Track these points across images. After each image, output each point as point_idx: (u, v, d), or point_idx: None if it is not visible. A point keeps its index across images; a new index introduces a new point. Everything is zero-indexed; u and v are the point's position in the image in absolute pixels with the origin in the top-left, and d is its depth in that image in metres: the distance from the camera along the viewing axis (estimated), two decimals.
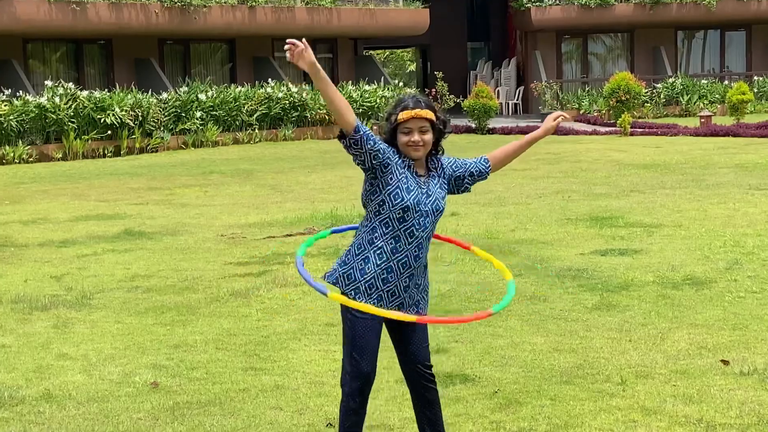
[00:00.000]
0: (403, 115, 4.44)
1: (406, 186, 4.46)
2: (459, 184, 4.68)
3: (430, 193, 4.52)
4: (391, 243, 4.48)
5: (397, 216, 4.46)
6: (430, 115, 4.46)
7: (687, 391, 5.78)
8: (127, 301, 8.55)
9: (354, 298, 4.49)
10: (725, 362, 6.27)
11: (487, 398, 5.78)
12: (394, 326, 4.65)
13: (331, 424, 5.40)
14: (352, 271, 4.53)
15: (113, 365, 6.68)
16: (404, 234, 4.48)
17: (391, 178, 4.45)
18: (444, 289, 8.50)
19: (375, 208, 4.50)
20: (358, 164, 4.44)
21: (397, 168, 4.46)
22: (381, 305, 4.50)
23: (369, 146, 4.36)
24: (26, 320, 7.95)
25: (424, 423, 4.76)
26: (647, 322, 7.35)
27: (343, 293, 4.53)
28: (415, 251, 4.50)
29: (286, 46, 4.32)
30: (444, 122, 4.56)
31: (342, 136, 4.38)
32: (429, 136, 4.49)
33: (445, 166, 4.64)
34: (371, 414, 5.45)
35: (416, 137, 4.45)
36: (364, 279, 4.51)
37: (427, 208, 4.49)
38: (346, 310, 4.53)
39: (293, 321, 7.73)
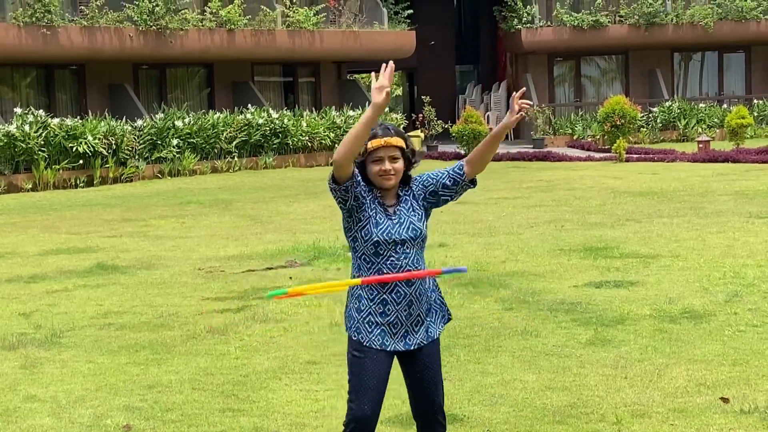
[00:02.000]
0: (372, 144, 4.46)
1: (375, 221, 4.50)
2: (436, 197, 4.66)
3: (402, 220, 4.54)
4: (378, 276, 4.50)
5: (371, 251, 4.51)
6: (400, 142, 4.51)
7: (685, 430, 5.78)
8: (99, 339, 8.51)
9: (358, 338, 4.52)
10: (725, 400, 6.27)
11: None
12: (407, 363, 4.63)
13: None
14: (351, 312, 4.58)
15: (84, 407, 6.64)
16: (386, 266, 4.50)
17: (363, 215, 4.50)
18: None
19: (351, 244, 4.58)
20: (338, 202, 4.49)
21: (368, 204, 4.51)
22: (386, 340, 4.51)
23: (356, 191, 4.44)
24: None
25: None
26: (644, 357, 7.36)
27: (348, 335, 4.57)
28: (404, 279, 4.51)
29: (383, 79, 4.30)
30: (413, 151, 4.58)
31: (334, 181, 4.42)
32: (400, 164, 4.52)
33: (414, 188, 4.64)
34: None
35: (387, 166, 4.49)
36: (361, 317, 4.54)
37: (402, 237, 4.51)
38: (350, 349, 4.56)
39: (273, 359, 7.71)
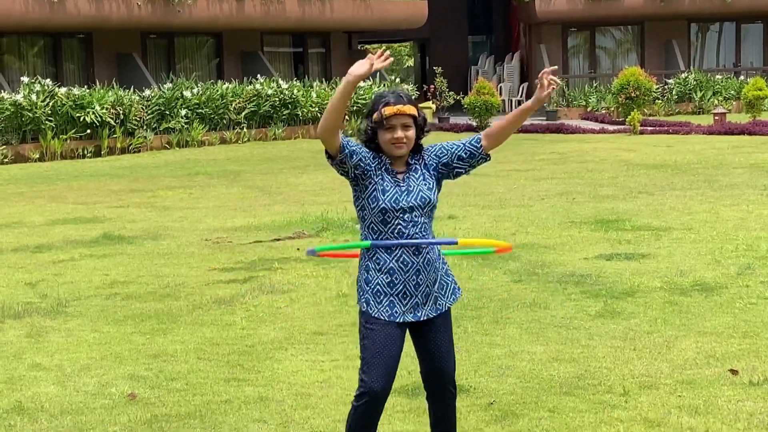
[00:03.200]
0: (386, 111, 4.47)
1: (381, 188, 4.51)
2: (449, 169, 4.67)
3: (411, 188, 4.55)
4: (382, 247, 4.52)
5: (379, 219, 4.52)
6: (413, 110, 4.51)
7: (693, 402, 5.80)
8: (105, 309, 8.57)
9: (367, 310, 4.54)
10: (734, 372, 6.29)
11: (482, 410, 5.81)
12: (418, 335, 4.65)
13: None
14: (361, 282, 4.61)
15: (89, 376, 6.70)
16: (393, 235, 4.52)
17: (369, 183, 4.52)
18: None
19: (360, 214, 4.60)
20: (341, 175, 4.53)
21: (374, 171, 4.52)
22: (395, 311, 4.53)
23: (354, 161, 4.46)
24: None
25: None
26: (653, 330, 7.38)
27: (359, 307, 4.60)
28: (412, 246, 4.53)
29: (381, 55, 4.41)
30: (424, 120, 4.60)
31: (329, 155, 4.46)
32: (412, 133, 4.53)
33: (426, 157, 4.65)
34: None
35: (400, 134, 4.49)
36: (370, 287, 4.56)
37: (409, 205, 4.52)
38: (361, 321, 4.59)
39: (280, 329, 7.75)
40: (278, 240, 11.62)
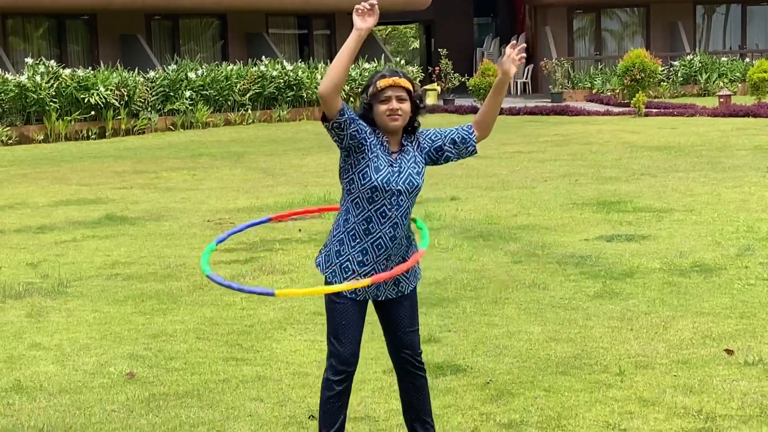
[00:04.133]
0: (381, 83, 4.51)
1: (375, 165, 4.52)
2: (439, 153, 4.69)
3: (402, 170, 4.57)
4: (363, 224, 4.56)
5: (366, 196, 4.54)
6: (407, 84, 4.55)
7: (688, 381, 5.83)
8: (106, 289, 8.61)
9: (332, 282, 4.61)
10: (729, 351, 6.32)
11: (478, 389, 5.83)
12: (380, 310, 4.74)
13: (313, 416, 5.45)
14: (330, 254, 4.64)
15: (88, 355, 6.73)
16: (376, 214, 4.55)
17: (362, 158, 4.53)
18: (440, 276, 8.54)
19: (346, 186, 4.60)
20: (334, 141, 4.52)
21: (369, 147, 4.53)
22: (358, 289, 4.57)
23: (351, 129, 4.46)
24: None
25: (410, 409, 4.84)
26: (651, 310, 7.40)
27: (323, 275, 4.65)
28: (390, 232, 4.56)
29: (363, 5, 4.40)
30: (420, 97, 4.62)
31: (325, 119, 4.46)
32: (407, 106, 4.55)
33: (421, 140, 4.68)
34: (356, 405, 5.52)
35: (395, 105, 4.52)
36: (339, 261, 4.61)
37: (399, 187, 4.55)
38: (327, 295, 4.64)
39: (279, 310, 7.78)
40: (280, 221, 11.64)
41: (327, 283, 4.64)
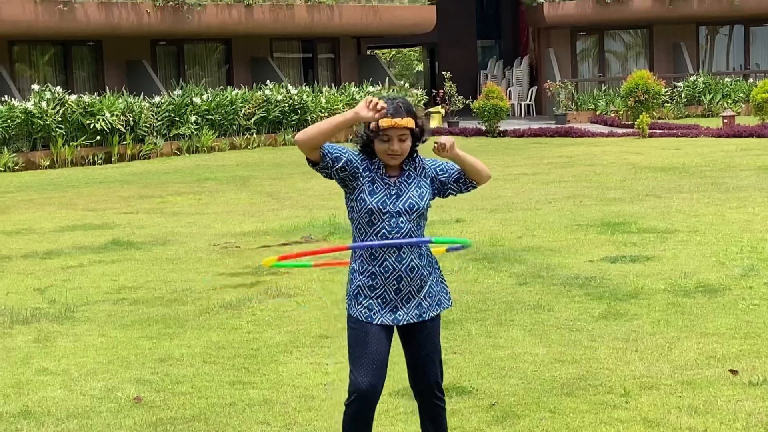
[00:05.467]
0: (383, 123, 4.50)
1: (370, 189, 4.57)
2: (443, 188, 4.74)
3: (401, 193, 4.60)
4: (367, 249, 4.58)
5: (365, 220, 4.58)
6: (410, 123, 4.54)
7: (693, 402, 5.84)
8: (113, 314, 8.64)
9: (350, 313, 4.62)
10: (734, 372, 6.33)
11: (483, 411, 5.85)
12: (404, 337, 4.71)
13: None
14: (348, 285, 4.68)
15: (95, 380, 6.76)
16: (377, 237, 4.57)
17: (357, 185, 4.58)
18: None
19: (349, 213, 4.66)
20: (325, 177, 4.61)
21: (361, 174, 4.58)
22: (373, 312, 4.59)
23: (336, 167, 4.53)
24: (6, 334, 8.04)
25: None
26: (655, 331, 7.42)
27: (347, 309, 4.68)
28: (395, 252, 4.57)
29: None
30: (422, 129, 4.64)
31: (311, 163, 4.55)
32: (407, 144, 4.57)
33: (427, 167, 4.71)
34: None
35: (395, 146, 4.54)
36: (352, 289, 4.63)
37: (396, 209, 4.57)
38: (347, 322, 4.66)
39: (285, 333, 7.81)
40: (286, 245, 11.66)
41: (349, 316, 4.64)
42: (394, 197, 4.58)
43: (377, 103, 4.37)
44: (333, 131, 4.44)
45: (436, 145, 4.53)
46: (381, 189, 4.58)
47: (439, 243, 4.70)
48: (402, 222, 4.58)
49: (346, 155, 4.55)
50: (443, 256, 10.28)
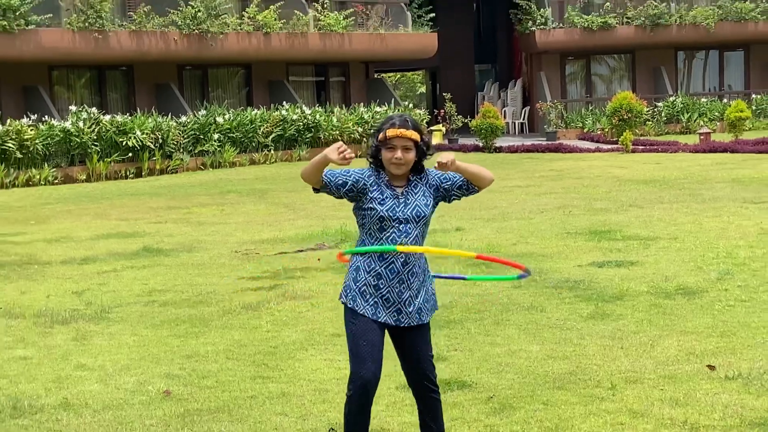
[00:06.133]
0: (389, 133, 4.55)
1: (380, 199, 4.59)
2: (447, 194, 4.75)
3: (408, 201, 4.62)
4: (377, 253, 4.59)
5: (377, 226, 4.60)
6: (414, 135, 4.56)
7: (674, 395, 5.83)
8: (144, 315, 8.65)
9: (352, 307, 4.61)
10: (711, 367, 6.32)
11: (482, 403, 5.85)
12: (400, 338, 4.72)
13: (333, 430, 5.47)
14: (348, 282, 4.68)
15: (128, 375, 6.77)
16: (387, 242, 4.59)
17: (366, 198, 4.60)
18: (446, 301, 8.55)
19: (359, 220, 4.67)
20: (335, 198, 4.65)
21: (371, 187, 4.60)
22: (378, 311, 4.60)
23: (343, 191, 4.58)
24: (47, 333, 8.05)
25: (425, 426, 4.85)
26: (639, 330, 7.41)
27: (343, 303, 4.68)
28: (402, 257, 4.59)
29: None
30: (427, 144, 4.65)
31: (316, 190, 4.65)
32: (411, 155, 4.59)
33: (431, 177, 4.72)
34: (372, 419, 5.51)
35: (399, 154, 4.56)
36: (357, 286, 4.63)
37: (405, 216, 4.59)
38: (346, 316, 4.66)
39: (301, 332, 7.81)
40: (301, 251, 11.68)
41: (347, 308, 4.65)
42: (402, 205, 4.60)
43: (344, 150, 4.44)
44: (315, 173, 4.54)
45: (438, 164, 4.53)
46: (390, 198, 4.60)
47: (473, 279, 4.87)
48: (410, 228, 4.60)
49: (352, 177, 4.59)
50: (444, 260, 10.33)
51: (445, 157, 4.54)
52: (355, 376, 4.58)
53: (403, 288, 4.62)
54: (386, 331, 4.71)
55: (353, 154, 4.47)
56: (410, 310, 4.64)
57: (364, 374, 4.55)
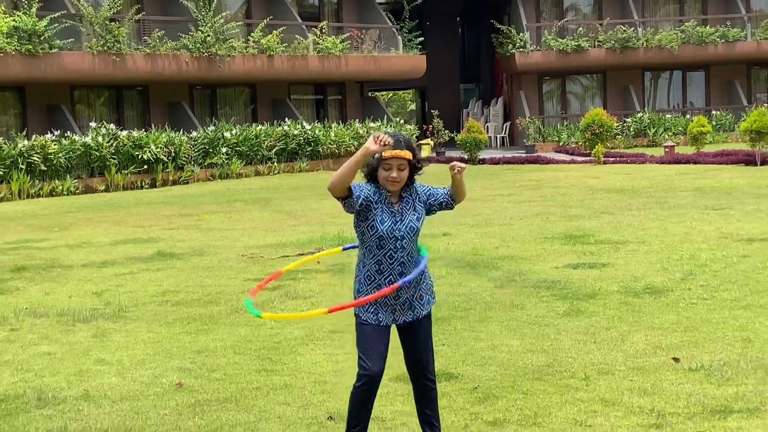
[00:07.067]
0: (385, 154, 4.51)
1: (380, 218, 4.58)
2: (430, 209, 4.77)
3: (404, 218, 4.62)
4: (375, 266, 4.62)
5: (375, 243, 4.60)
6: (408, 155, 4.55)
7: (642, 385, 5.84)
8: (158, 313, 8.63)
9: (359, 314, 4.65)
10: (676, 360, 6.33)
11: (467, 393, 5.84)
12: (402, 333, 4.74)
13: (331, 418, 5.47)
14: (354, 293, 4.71)
15: (144, 369, 6.75)
16: (385, 258, 4.60)
17: (370, 215, 4.58)
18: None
19: (359, 236, 4.66)
20: (347, 211, 4.58)
21: (374, 205, 4.58)
22: (379, 317, 4.63)
23: (359, 203, 4.52)
24: (69, 331, 8.03)
25: (422, 414, 4.85)
26: (610, 326, 7.41)
27: (356, 315, 4.69)
28: (399, 269, 4.61)
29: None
30: (419, 161, 4.65)
31: (342, 201, 4.50)
32: (405, 173, 4.59)
33: (419, 193, 4.72)
34: None
35: (395, 174, 4.56)
36: (360, 296, 4.64)
37: (401, 233, 4.60)
38: (356, 320, 4.68)
39: (302, 329, 7.79)
40: (302, 254, 11.65)
41: (355, 315, 4.67)
42: (398, 222, 4.60)
43: (382, 138, 4.37)
44: (354, 170, 4.39)
45: (454, 165, 4.51)
46: (388, 217, 4.59)
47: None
48: (405, 243, 4.62)
49: (363, 192, 4.56)
50: (434, 263, 10.32)
51: (460, 165, 4.54)
52: (364, 370, 4.58)
53: (400, 293, 4.63)
54: (392, 327, 4.70)
55: (390, 140, 4.37)
56: (404, 309, 4.66)
57: (371, 370, 4.57)
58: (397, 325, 4.71)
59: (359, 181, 4.68)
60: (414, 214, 4.66)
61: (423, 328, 4.74)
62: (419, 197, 4.71)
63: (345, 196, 4.48)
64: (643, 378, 5.97)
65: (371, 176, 4.63)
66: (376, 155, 4.53)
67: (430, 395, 4.81)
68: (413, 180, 4.70)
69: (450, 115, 35.80)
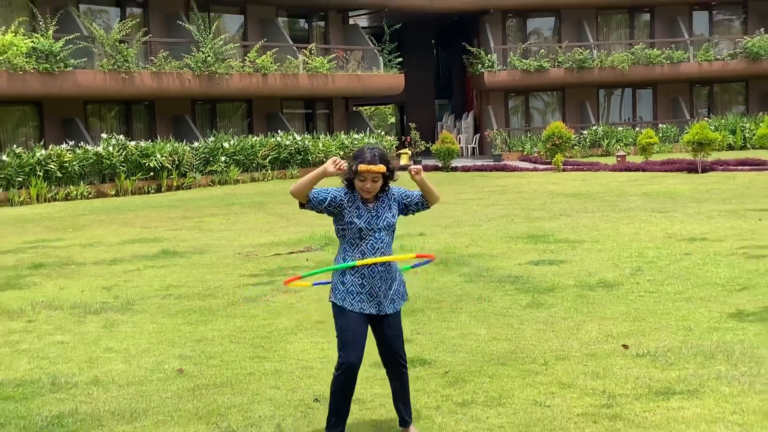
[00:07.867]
0: (361, 168, 4.53)
1: (357, 214, 4.58)
2: (406, 209, 4.76)
3: (379, 214, 4.62)
4: (359, 256, 4.58)
5: (357, 236, 4.58)
6: (382, 169, 4.55)
7: (595, 369, 5.84)
8: (162, 306, 8.58)
9: (342, 305, 4.58)
10: (625, 347, 6.34)
11: (439, 377, 5.83)
12: (374, 323, 4.70)
13: (317, 399, 5.44)
14: (336, 284, 4.65)
15: (148, 356, 6.71)
16: (367, 248, 4.58)
17: (345, 213, 4.58)
18: (411, 293, 8.49)
19: (340, 233, 4.64)
20: (316, 213, 4.57)
21: (348, 204, 4.57)
22: (363, 305, 4.58)
23: (324, 206, 4.54)
24: (81, 322, 7.97)
25: (396, 396, 4.84)
26: (567, 316, 7.42)
27: (332, 302, 4.65)
28: (380, 256, 4.58)
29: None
30: (392, 171, 4.64)
31: (302, 206, 4.57)
32: (379, 184, 4.61)
33: (395, 194, 4.72)
34: None
35: (369, 186, 4.58)
36: (345, 288, 4.60)
37: (379, 226, 4.60)
38: (335, 311, 4.63)
39: (292, 320, 7.77)
40: (293, 253, 11.63)
41: (336, 307, 4.62)
42: (375, 217, 4.60)
43: (339, 164, 4.41)
44: (311, 185, 4.48)
45: (411, 169, 4.55)
46: (364, 213, 4.59)
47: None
48: (383, 236, 4.61)
49: (330, 195, 4.56)
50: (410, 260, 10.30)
51: (416, 167, 4.58)
52: (343, 360, 4.54)
53: (382, 283, 4.60)
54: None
55: (346, 164, 4.47)
56: (387, 301, 4.63)
57: (350, 359, 4.53)
58: (374, 317, 4.68)
59: (339, 186, 4.68)
60: (390, 212, 4.66)
61: (397, 320, 4.73)
62: (394, 197, 4.71)
63: (304, 202, 4.55)
64: (595, 363, 5.98)
65: (349, 184, 4.62)
66: (353, 167, 4.54)
67: (403, 379, 4.79)
68: (389, 186, 4.69)
69: (426, 128, 35.81)
